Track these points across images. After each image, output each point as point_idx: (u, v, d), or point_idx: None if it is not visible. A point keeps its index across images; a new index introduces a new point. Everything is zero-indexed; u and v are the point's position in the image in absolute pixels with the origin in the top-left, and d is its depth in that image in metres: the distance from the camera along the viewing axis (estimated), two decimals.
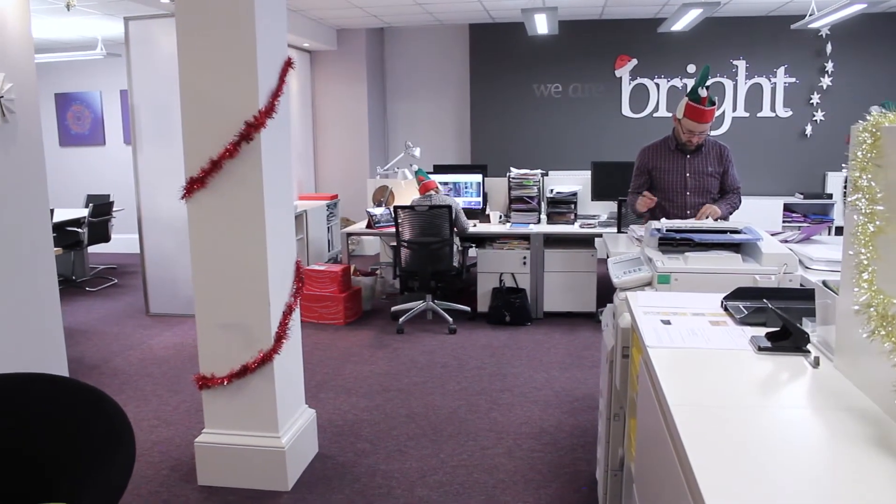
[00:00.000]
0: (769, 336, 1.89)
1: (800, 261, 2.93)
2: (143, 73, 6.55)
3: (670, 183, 4.27)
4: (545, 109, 9.50)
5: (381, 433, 4.15)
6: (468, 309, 6.52)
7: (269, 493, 3.45)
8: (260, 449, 3.47)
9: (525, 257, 6.40)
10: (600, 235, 6.20)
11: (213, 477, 3.55)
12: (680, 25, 7.55)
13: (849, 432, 1.39)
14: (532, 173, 6.83)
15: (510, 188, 6.85)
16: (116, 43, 8.52)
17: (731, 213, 4.28)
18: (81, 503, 2.26)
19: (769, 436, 1.40)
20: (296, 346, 3.74)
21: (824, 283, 1.88)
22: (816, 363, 1.75)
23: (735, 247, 2.98)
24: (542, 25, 7.20)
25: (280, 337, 3.45)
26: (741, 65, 9.00)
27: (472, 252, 6.53)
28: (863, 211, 1.51)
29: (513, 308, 6.28)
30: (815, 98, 8.89)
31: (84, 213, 8.07)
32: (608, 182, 6.67)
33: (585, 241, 6.50)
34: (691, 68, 9.07)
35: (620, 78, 9.29)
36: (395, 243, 6.30)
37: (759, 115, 9.06)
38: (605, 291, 5.97)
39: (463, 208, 6.50)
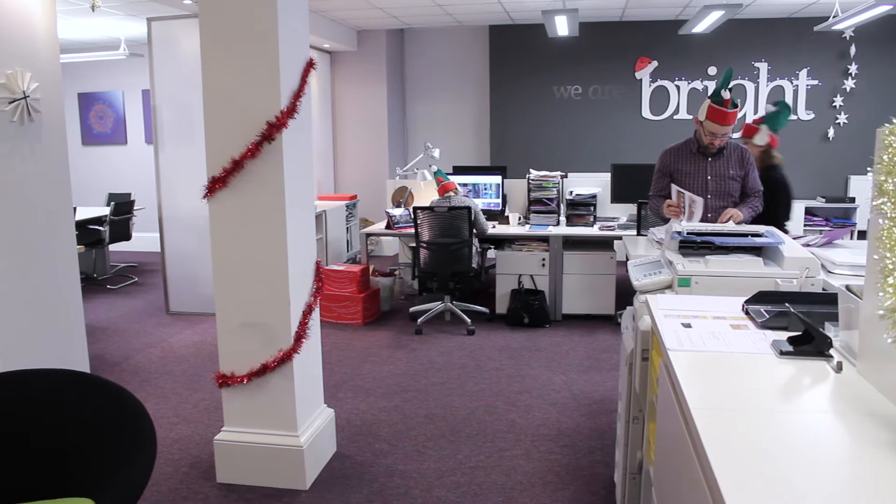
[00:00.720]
0: (791, 340, 1.88)
1: (822, 265, 2.91)
2: (166, 73, 6.61)
3: (691, 185, 4.24)
4: (565, 111, 9.48)
5: (399, 433, 4.15)
6: (486, 310, 6.52)
7: (287, 492, 3.47)
8: (278, 448, 3.49)
9: (544, 259, 6.39)
10: (620, 238, 6.19)
11: (231, 475, 3.57)
12: (701, 27, 7.52)
13: (872, 437, 1.38)
14: (551, 175, 6.82)
15: (529, 190, 6.84)
16: (139, 43, 8.59)
17: (752, 217, 4.24)
18: (104, 499, 2.28)
19: (791, 440, 1.39)
20: (315, 345, 3.76)
21: (847, 287, 1.86)
22: (839, 368, 1.74)
23: (756, 250, 2.96)
24: (562, 27, 7.19)
25: (300, 336, 3.47)
26: (763, 67, 8.93)
27: (491, 253, 6.53)
28: (888, 215, 1.49)
29: (531, 310, 6.27)
30: (839, 101, 8.82)
31: (106, 211, 8.15)
32: (628, 184, 6.65)
33: (604, 244, 6.48)
34: (712, 70, 9.02)
35: (641, 80, 9.25)
36: (414, 244, 6.31)
37: None
38: (625, 294, 5.96)
39: (482, 210, 6.50)
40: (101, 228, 7.93)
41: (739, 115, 8.53)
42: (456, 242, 6.00)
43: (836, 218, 8.68)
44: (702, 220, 3.99)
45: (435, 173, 6.50)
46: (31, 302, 3.71)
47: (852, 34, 8.60)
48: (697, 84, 9.11)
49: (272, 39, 3.21)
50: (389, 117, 9.81)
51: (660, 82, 9.22)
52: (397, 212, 6.96)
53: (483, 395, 4.72)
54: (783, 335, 1.95)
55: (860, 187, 8.65)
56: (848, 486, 1.24)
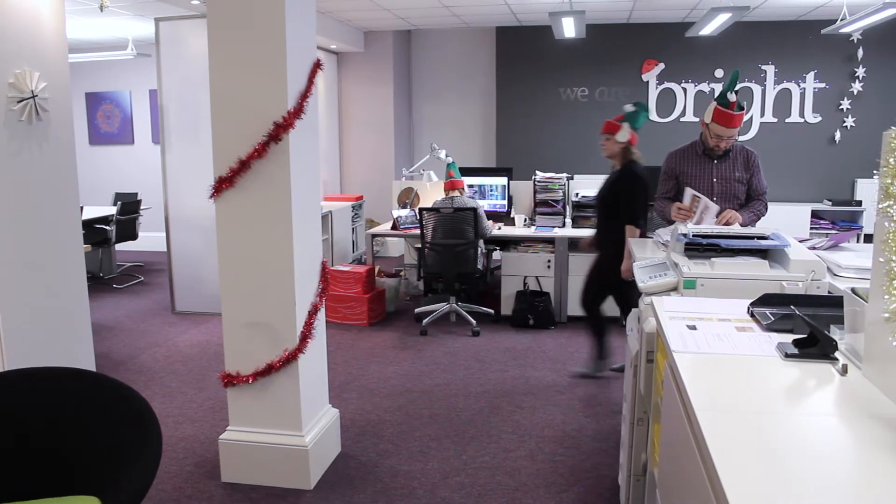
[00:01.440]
0: (796, 343, 1.88)
1: (828, 268, 2.90)
2: (173, 73, 6.63)
3: (697, 188, 4.22)
4: (571, 113, 9.48)
5: (403, 434, 4.16)
6: (492, 311, 6.52)
7: (291, 492, 3.48)
8: (283, 447, 3.50)
9: (549, 261, 6.39)
10: None
11: (236, 474, 3.58)
12: (708, 30, 7.50)
13: (877, 440, 1.38)
14: (557, 177, 6.82)
15: (535, 191, 6.84)
16: (146, 43, 8.62)
17: (755, 221, 4.23)
18: (109, 497, 2.29)
19: (796, 443, 1.39)
20: (321, 345, 3.77)
21: (853, 290, 1.86)
22: (844, 371, 1.73)
23: (762, 253, 2.96)
24: (569, 29, 7.18)
25: (305, 336, 3.48)
26: (770, 69, 8.92)
27: (497, 255, 6.53)
28: (894, 218, 1.49)
29: (536, 311, 6.27)
30: (846, 104, 8.80)
31: (112, 210, 8.17)
32: None
33: None
34: (719, 73, 9.01)
35: (647, 82, 9.25)
36: (419, 245, 6.31)
37: (787, 120, 8.98)
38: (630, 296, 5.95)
39: (487, 211, 6.50)
40: (107, 228, 7.95)
41: (746, 117, 8.54)
42: (461, 244, 6.00)
43: (842, 221, 8.66)
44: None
45: (449, 165, 6.45)
46: (39, 300, 3.72)
47: (860, 37, 8.58)
48: (704, 86, 9.10)
49: (279, 40, 3.22)
50: (396, 118, 9.82)
51: (666, 84, 9.21)
52: (403, 213, 6.96)
53: (488, 396, 4.72)
54: (788, 338, 1.95)
55: (867, 190, 8.63)
56: (853, 488, 1.24)
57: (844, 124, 8.84)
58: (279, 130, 3.26)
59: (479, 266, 6.13)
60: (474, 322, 6.19)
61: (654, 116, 9.23)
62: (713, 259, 2.90)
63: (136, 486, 2.24)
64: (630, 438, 2.90)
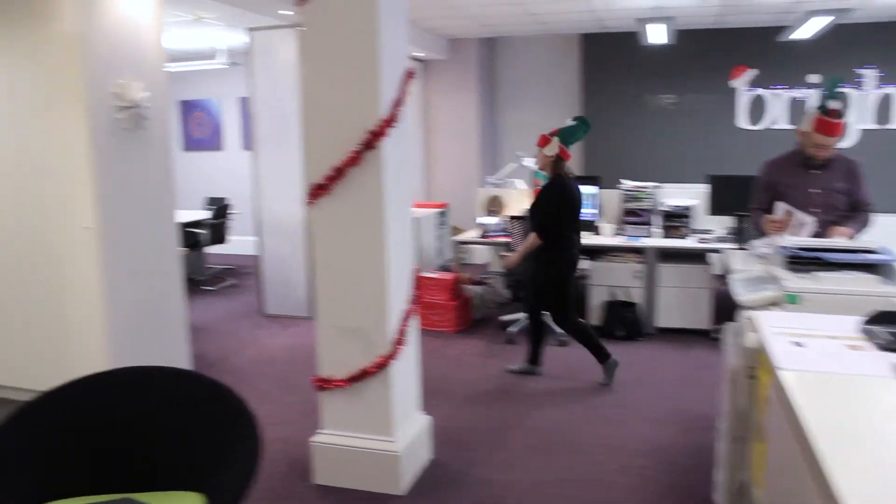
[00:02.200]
0: None
1: None
2: (264, 82, 6.78)
3: (796, 199, 4.10)
4: (658, 120, 9.33)
5: (492, 443, 4.16)
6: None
7: (383, 496, 3.51)
8: (375, 452, 3.54)
9: (638, 271, 6.30)
10: (717, 251, 6.05)
11: (328, 476, 3.64)
12: (803, 34, 7.27)
13: None
14: (645, 185, 6.71)
15: (623, 200, 6.75)
16: (235, 53, 8.85)
17: (860, 232, 4.08)
18: (213, 494, 2.35)
19: None
20: (413, 352, 3.80)
21: None
22: None
23: (867, 267, 2.85)
24: (655, 35, 7.07)
25: (398, 342, 3.51)
26: (870, 73, 8.58)
27: (585, 264, 6.46)
28: None
29: (625, 322, 6.18)
30: None
31: (203, 214, 8.41)
32: (726, 196, 6.49)
33: (699, 256, 6.33)
34: (814, 78, 8.71)
35: (737, 89, 9.02)
36: (506, 253, 6.30)
37: (891, 126, 8.61)
38: (720, 308, 5.83)
39: None
40: (199, 231, 8.19)
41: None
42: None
43: None
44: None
45: (536, 174, 6.42)
46: (140, 302, 3.86)
47: None
48: (797, 93, 8.81)
49: (373, 49, 3.26)
50: (480, 125, 9.84)
51: (757, 91, 8.96)
52: (490, 221, 6.97)
53: (576, 407, 4.68)
54: None
55: None
56: None
57: None
58: (373, 138, 3.30)
59: None
60: (561, 331, 6.13)
61: (743, 124, 8.99)
62: (818, 273, 2.81)
63: (239, 484, 2.30)
64: (728, 456, 2.83)
